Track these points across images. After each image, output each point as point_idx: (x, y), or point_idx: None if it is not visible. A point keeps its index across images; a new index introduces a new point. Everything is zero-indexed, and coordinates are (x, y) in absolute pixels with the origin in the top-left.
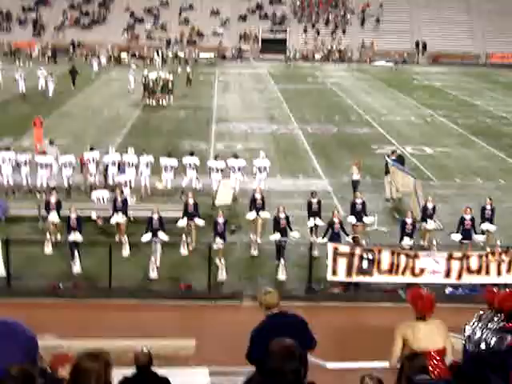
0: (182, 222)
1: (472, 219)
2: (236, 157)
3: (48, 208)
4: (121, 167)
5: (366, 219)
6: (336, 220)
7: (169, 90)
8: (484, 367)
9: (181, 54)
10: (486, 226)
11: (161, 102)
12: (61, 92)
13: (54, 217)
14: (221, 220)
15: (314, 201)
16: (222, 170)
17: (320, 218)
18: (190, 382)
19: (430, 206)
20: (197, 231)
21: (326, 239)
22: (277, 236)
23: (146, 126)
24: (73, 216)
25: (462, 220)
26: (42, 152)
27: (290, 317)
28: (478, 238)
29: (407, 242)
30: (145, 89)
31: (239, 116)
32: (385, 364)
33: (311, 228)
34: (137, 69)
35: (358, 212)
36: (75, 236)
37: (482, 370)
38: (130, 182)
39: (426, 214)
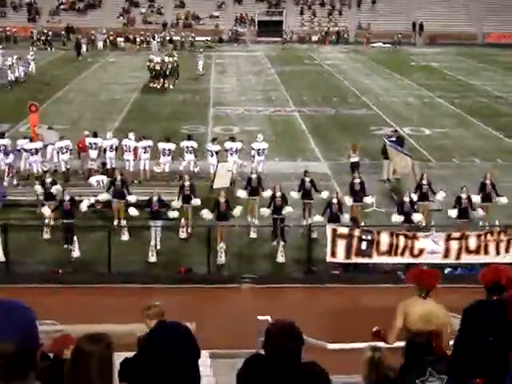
0: (177, 204)
1: (468, 197)
2: (233, 139)
3: (43, 186)
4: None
5: (366, 199)
6: (335, 201)
7: (176, 72)
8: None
9: (177, 38)
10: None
11: (166, 85)
12: (56, 76)
13: (46, 210)
14: (222, 199)
15: (307, 179)
16: (217, 153)
17: (312, 197)
18: None
19: (424, 182)
20: (193, 213)
21: (322, 218)
22: (268, 210)
23: (143, 110)
24: (66, 199)
25: (459, 199)
26: (30, 138)
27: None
28: (478, 213)
29: (396, 219)
30: (151, 72)
31: (236, 99)
32: (385, 344)
33: (304, 207)
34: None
35: (357, 192)
36: (68, 219)
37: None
38: (129, 166)
39: (422, 192)
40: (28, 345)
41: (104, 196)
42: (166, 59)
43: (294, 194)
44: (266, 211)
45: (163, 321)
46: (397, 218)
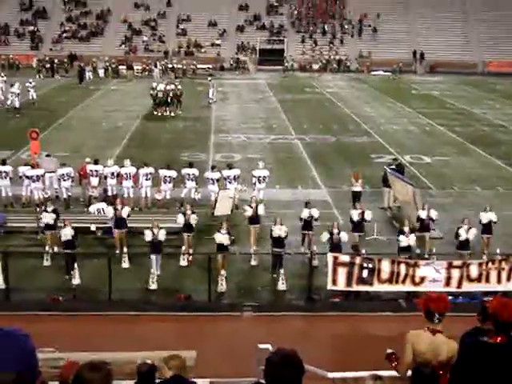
0: (181, 219)
1: (469, 230)
2: (230, 167)
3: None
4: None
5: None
6: (335, 230)
7: (178, 100)
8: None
9: (179, 66)
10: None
11: (168, 113)
12: (59, 103)
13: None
14: (224, 231)
15: (307, 210)
16: (218, 181)
17: (312, 228)
18: None
19: (423, 213)
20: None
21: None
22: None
23: (144, 137)
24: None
25: (457, 235)
26: (32, 165)
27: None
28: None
29: (403, 239)
30: (154, 100)
31: (238, 126)
32: (388, 373)
33: (303, 237)
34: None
35: (357, 223)
36: (70, 249)
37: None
38: (129, 193)
39: (423, 223)
40: (28, 374)
41: (109, 212)
42: (168, 87)
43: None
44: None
45: (180, 377)
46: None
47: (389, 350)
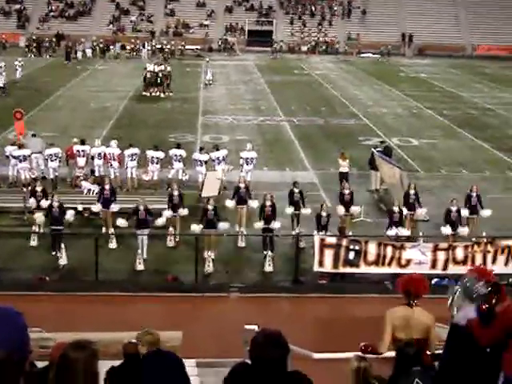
0: (167, 214)
1: (458, 211)
2: (217, 148)
3: (35, 197)
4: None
5: (352, 209)
6: (324, 213)
7: (167, 81)
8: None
9: (167, 46)
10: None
11: (158, 94)
12: (45, 83)
13: (40, 216)
14: (210, 207)
15: (296, 190)
16: (206, 162)
17: (300, 208)
18: None
19: (411, 192)
20: (181, 222)
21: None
22: (260, 224)
23: (132, 117)
24: (55, 205)
25: (449, 212)
26: (19, 145)
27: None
28: (463, 231)
29: (392, 233)
30: (144, 80)
31: (226, 108)
32: (372, 355)
33: (292, 217)
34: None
35: (347, 202)
36: (57, 226)
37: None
38: (115, 174)
39: (409, 202)
40: (19, 352)
41: (97, 207)
42: (157, 68)
43: (288, 210)
44: (258, 224)
45: (155, 351)
46: (446, 230)
47: (362, 344)
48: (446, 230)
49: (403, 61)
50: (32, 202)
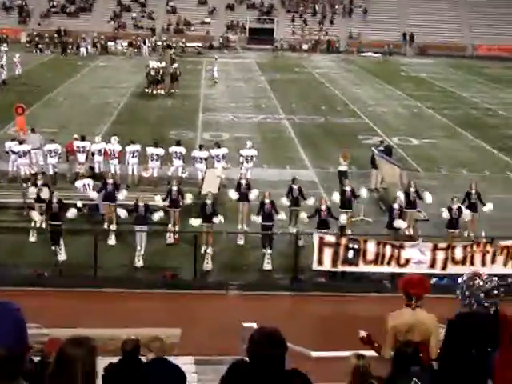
0: (162, 202)
1: (458, 209)
2: (218, 146)
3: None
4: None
5: (361, 191)
6: (323, 207)
7: (175, 79)
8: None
9: (172, 44)
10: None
11: (161, 92)
12: (47, 79)
13: (35, 214)
14: (209, 201)
15: (295, 187)
16: (206, 160)
17: (299, 205)
18: None
19: (412, 189)
20: (180, 218)
21: (307, 219)
22: (259, 219)
23: (132, 114)
24: (54, 201)
25: (450, 210)
26: (19, 141)
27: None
28: (466, 214)
29: (399, 224)
30: (147, 78)
31: (226, 105)
32: (371, 352)
33: (290, 214)
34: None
35: (348, 199)
36: (56, 221)
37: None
38: (115, 170)
39: (410, 200)
40: (18, 347)
41: (93, 195)
42: (160, 65)
43: (284, 201)
44: (256, 219)
45: (162, 359)
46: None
47: (363, 333)
48: (445, 213)
49: (404, 60)
50: (32, 191)
